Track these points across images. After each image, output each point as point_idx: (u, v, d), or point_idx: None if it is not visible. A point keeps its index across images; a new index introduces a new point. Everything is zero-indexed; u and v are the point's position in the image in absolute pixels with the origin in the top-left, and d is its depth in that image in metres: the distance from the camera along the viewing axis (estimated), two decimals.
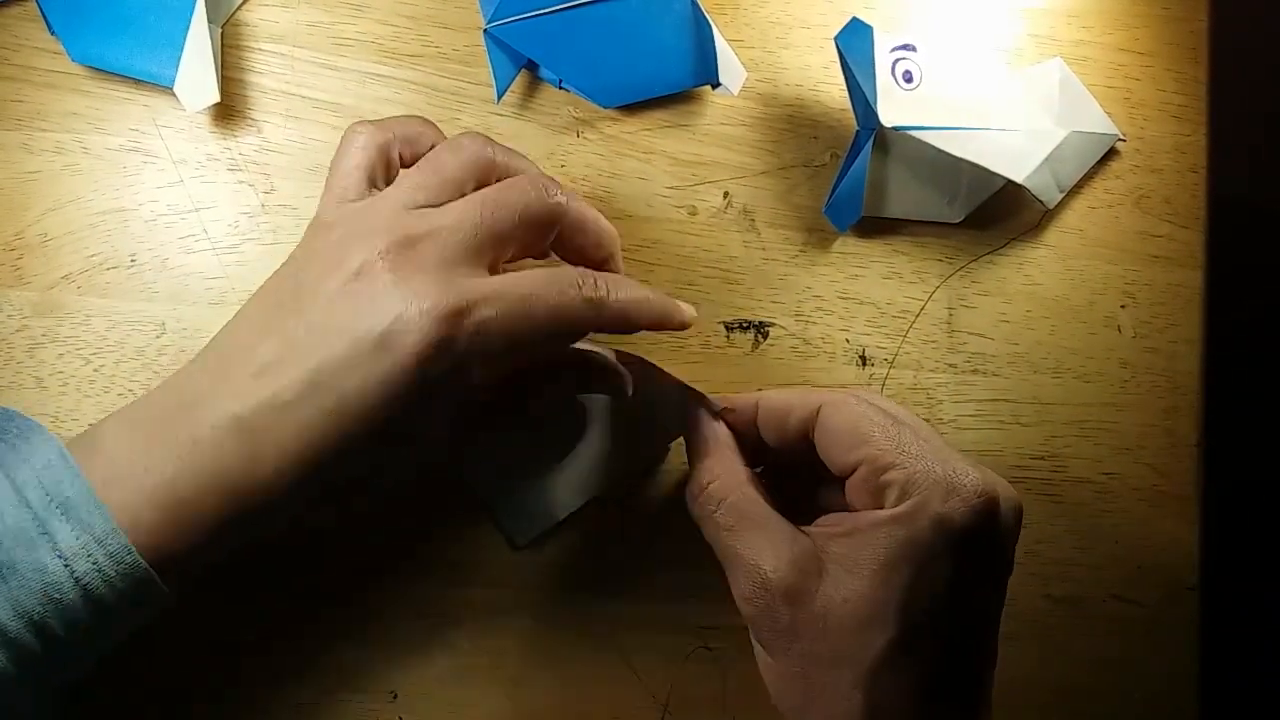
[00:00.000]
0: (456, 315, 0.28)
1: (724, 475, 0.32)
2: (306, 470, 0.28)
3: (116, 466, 0.27)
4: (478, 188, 0.31)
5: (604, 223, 0.33)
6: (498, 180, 0.32)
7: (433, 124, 0.34)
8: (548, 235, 0.32)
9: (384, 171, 0.32)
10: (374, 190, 0.32)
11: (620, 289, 0.31)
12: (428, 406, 0.29)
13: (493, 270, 0.30)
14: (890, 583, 0.28)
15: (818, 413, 0.32)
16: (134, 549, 0.26)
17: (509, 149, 0.33)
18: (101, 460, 0.27)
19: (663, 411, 0.37)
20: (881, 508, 0.29)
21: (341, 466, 0.29)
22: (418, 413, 0.29)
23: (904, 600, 0.28)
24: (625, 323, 0.32)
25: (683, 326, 0.33)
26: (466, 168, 0.31)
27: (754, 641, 0.31)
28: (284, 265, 0.31)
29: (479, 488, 0.37)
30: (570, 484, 0.38)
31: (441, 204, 0.30)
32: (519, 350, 0.30)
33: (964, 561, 0.28)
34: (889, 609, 0.28)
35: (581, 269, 0.31)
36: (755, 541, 0.30)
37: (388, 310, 0.28)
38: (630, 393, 0.35)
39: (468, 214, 0.30)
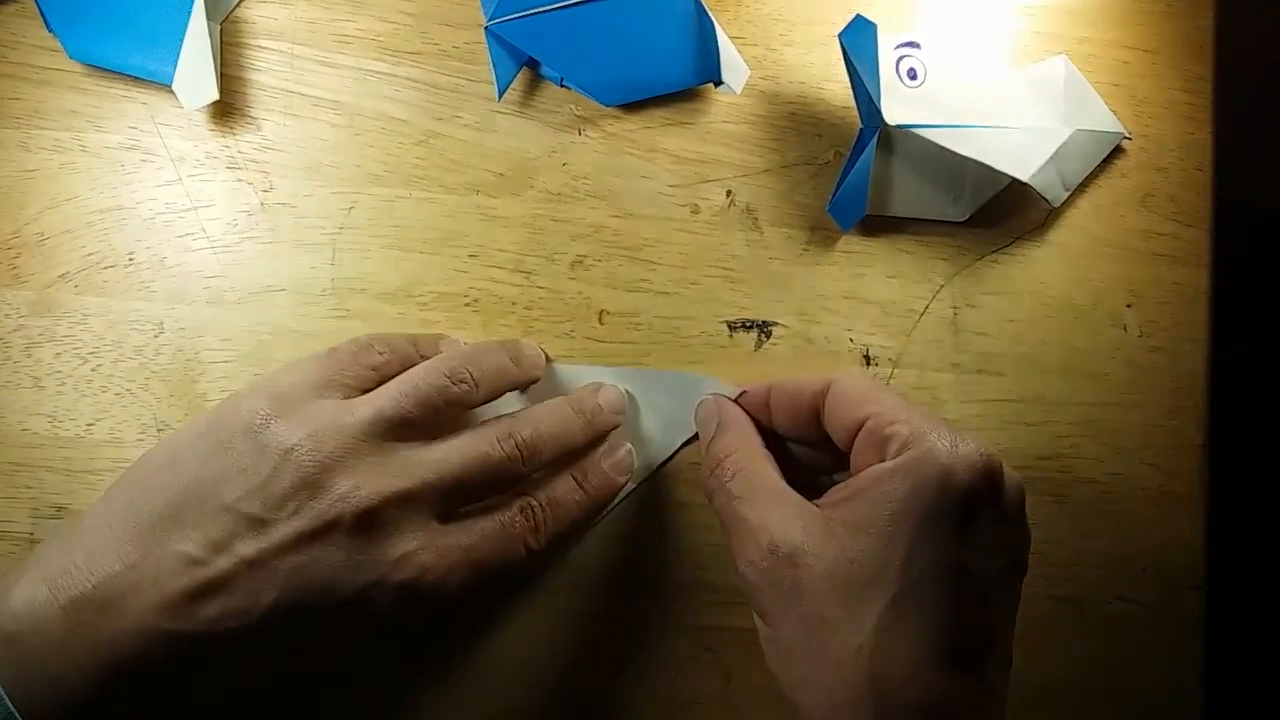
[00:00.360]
0: (428, 583, 0.29)
1: (739, 451, 0.33)
2: (235, 680, 0.29)
3: (30, 667, 0.26)
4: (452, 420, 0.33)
5: (572, 435, 0.35)
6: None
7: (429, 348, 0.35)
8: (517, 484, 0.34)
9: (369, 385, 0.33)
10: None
11: (560, 519, 0.34)
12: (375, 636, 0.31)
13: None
14: (894, 538, 0.27)
15: (828, 388, 0.32)
16: None
17: (486, 359, 0.34)
18: (16, 656, 0.26)
19: (678, 407, 0.37)
20: (884, 460, 0.29)
21: (280, 669, 0.30)
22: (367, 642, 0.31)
23: (908, 556, 0.27)
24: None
25: None
26: (450, 405, 0.32)
27: (755, 616, 0.30)
28: (230, 417, 0.30)
29: None
30: None
31: (420, 437, 0.31)
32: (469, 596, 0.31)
33: (968, 525, 0.28)
34: (893, 564, 0.27)
35: (522, 501, 0.33)
36: (764, 508, 0.30)
37: (365, 577, 0.28)
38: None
39: (449, 472, 0.30)
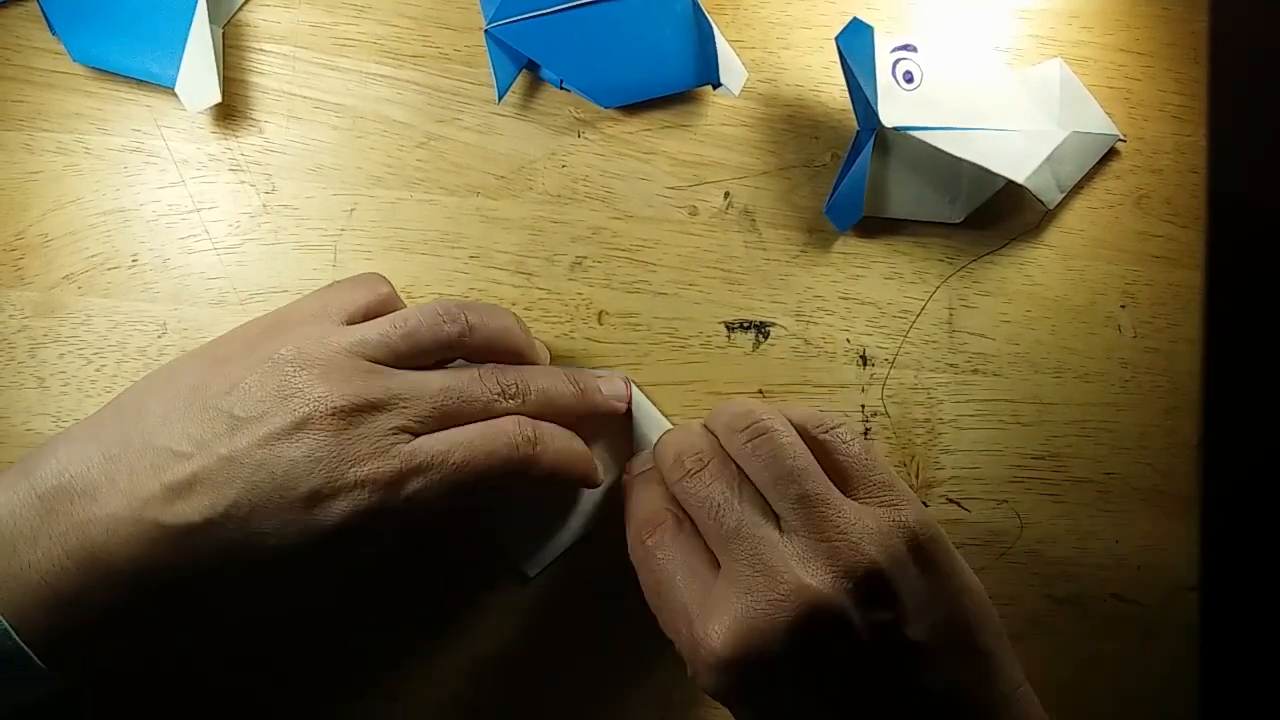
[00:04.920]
0: (391, 486, 0.29)
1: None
2: (205, 583, 0.28)
3: (2, 554, 0.27)
4: (439, 362, 0.32)
5: (559, 394, 0.33)
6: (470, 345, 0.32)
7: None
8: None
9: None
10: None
11: (554, 441, 0.32)
12: (346, 552, 0.30)
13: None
14: None
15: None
16: (24, 647, 0.26)
17: (489, 314, 0.33)
18: None
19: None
20: None
21: (246, 582, 0.29)
22: (336, 555, 0.30)
23: None
24: (550, 481, 0.32)
25: (592, 486, 0.35)
26: (439, 344, 0.32)
27: None
28: (240, 333, 0.31)
29: (491, 526, 0.37)
30: (580, 510, 0.37)
31: (400, 368, 0.31)
32: (446, 509, 0.30)
33: None
34: None
35: (519, 420, 0.31)
36: None
37: (323, 473, 0.28)
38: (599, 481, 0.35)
39: (425, 394, 0.30)
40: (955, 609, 0.30)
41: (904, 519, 0.30)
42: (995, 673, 0.30)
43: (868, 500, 0.31)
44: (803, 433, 0.32)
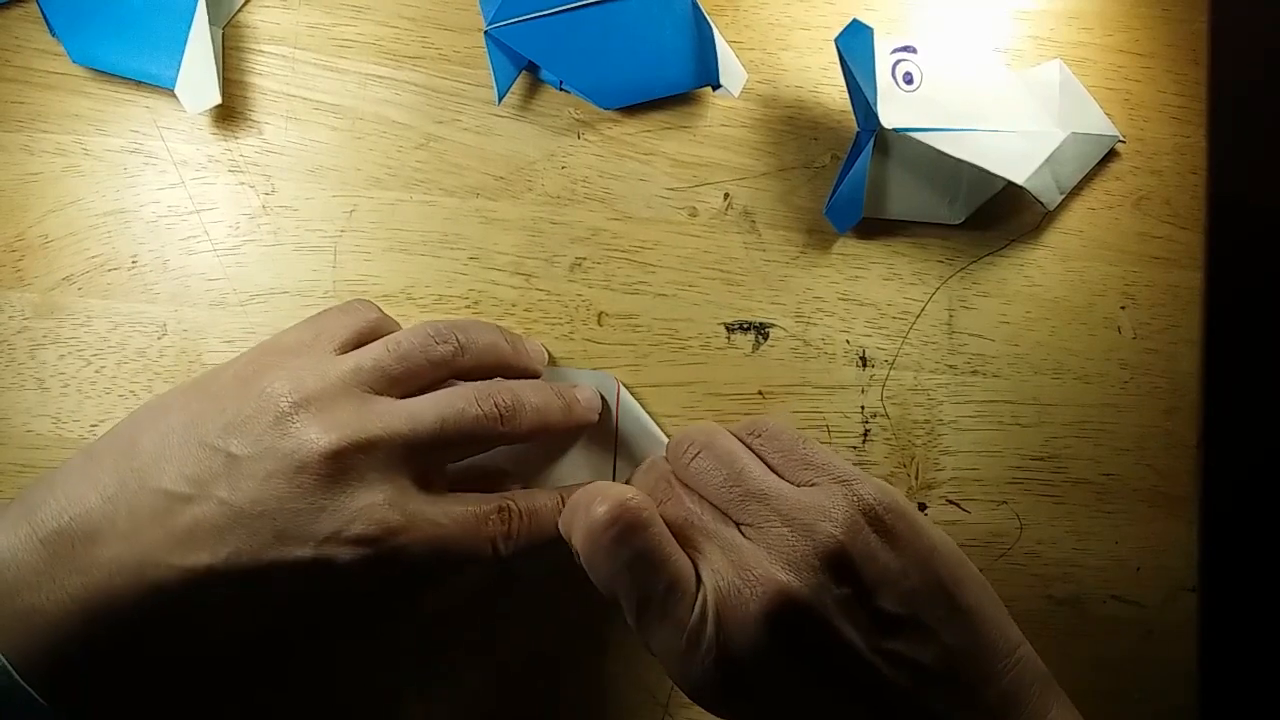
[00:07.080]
0: (381, 538, 0.29)
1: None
2: (204, 625, 0.29)
3: (4, 600, 0.27)
4: (433, 384, 0.32)
5: (550, 410, 0.34)
6: (466, 367, 0.33)
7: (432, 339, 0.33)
8: (492, 448, 0.33)
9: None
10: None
11: (534, 532, 0.32)
12: (346, 594, 0.30)
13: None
14: None
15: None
16: (27, 688, 0.26)
17: (476, 331, 0.34)
18: None
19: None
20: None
21: (247, 622, 0.30)
22: (328, 600, 0.30)
23: None
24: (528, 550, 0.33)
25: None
26: (433, 364, 0.32)
27: None
28: (224, 369, 0.31)
29: None
30: None
31: (399, 395, 0.31)
32: (426, 573, 0.31)
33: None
34: None
35: (502, 501, 0.32)
36: None
37: (325, 524, 0.28)
38: None
39: (424, 424, 0.30)
40: (927, 573, 0.30)
41: (853, 491, 0.30)
42: (985, 630, 0.30)
43: (815, 483, 0.31)
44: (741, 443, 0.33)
